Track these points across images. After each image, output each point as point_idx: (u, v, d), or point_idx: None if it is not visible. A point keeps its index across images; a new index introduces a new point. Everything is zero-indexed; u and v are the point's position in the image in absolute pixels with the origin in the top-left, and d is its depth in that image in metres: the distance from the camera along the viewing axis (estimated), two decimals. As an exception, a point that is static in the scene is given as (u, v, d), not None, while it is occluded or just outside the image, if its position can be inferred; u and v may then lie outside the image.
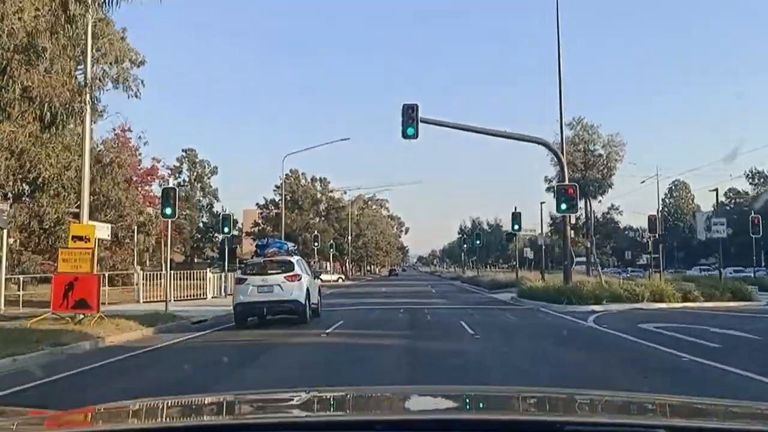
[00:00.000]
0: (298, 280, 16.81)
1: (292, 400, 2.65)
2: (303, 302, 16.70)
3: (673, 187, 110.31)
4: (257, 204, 78.77)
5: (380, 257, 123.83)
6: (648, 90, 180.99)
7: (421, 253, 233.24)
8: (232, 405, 2.52)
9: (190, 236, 76.54)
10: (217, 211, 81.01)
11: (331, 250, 63.27)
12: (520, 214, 33.56)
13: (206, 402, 2.73)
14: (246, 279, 16.90)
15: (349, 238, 75.42)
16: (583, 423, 1.96)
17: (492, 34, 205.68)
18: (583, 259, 47.79)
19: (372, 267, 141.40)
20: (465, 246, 64.91)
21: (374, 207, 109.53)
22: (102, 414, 2.38)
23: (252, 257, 20.38)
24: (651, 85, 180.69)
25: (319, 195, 79.21)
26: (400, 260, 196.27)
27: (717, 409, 2.36)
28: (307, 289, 17.19)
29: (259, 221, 78.46)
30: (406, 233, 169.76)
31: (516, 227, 33.67)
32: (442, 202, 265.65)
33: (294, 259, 17.75)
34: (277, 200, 78.85)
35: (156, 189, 45.57)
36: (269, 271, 16.94)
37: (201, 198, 78.50)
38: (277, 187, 78.05)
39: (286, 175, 78.55)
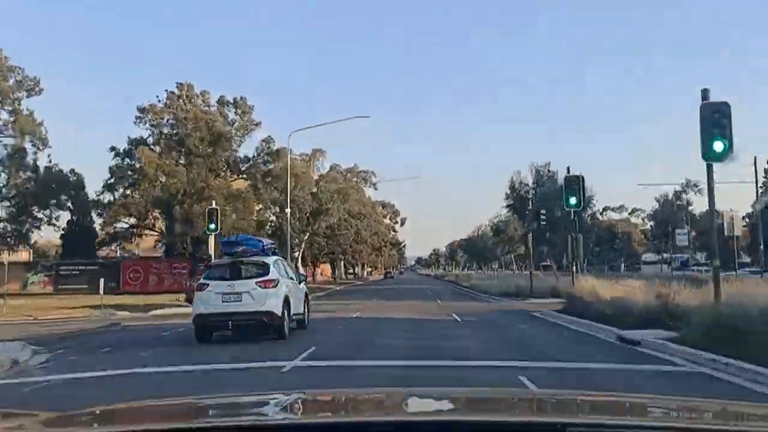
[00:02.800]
0: (274, 286, 13.79)
1: (287, 402, 2.50)
2: (280, 314, 13.61)
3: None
4: (112, 149, 41.18)
5: (364, 254, 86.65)
6: None
7: (419, 254, 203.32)
8: (226, 407, 2.54)
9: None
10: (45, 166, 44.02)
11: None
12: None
13: (200, 404, 2.62)
14: (208, 284, 13.83)
15: (288, 210, 38.11)
16: (585, 424, 1.88)
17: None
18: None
19: (354, 268, 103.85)
20: (540, 218, 26.71)
21: (354, 180, 72.79)
22: (102, 415, 2.34)
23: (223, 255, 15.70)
24: None
25: (232, 132, 41.84)
26: (397, 261, 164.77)
27: (718, 409, 2.33)
28: (286, 297, 14.08)
29: (112, 180, 40.86)
30: (402, 225, 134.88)
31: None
32: (443, 197, 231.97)
33: (270, 260, 14.54)
34: (146, 138, 41.40)
35: None
36: (238, 275, 13.98)
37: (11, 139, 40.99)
38: (142, 112, 40.55)
39: (169, 93, 41.30)
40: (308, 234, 52.99)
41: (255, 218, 43.06)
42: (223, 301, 13.39)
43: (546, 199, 33.76)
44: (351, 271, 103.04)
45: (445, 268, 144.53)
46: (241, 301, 13.38)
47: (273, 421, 2.09)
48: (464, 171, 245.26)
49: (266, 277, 13.74)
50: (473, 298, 34.22)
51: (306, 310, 16.39)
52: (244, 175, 43.10)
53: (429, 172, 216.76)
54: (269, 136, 42.95)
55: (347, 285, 66.75)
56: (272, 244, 17.11)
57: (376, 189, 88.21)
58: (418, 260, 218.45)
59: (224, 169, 41.77)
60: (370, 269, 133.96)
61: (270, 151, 42.70)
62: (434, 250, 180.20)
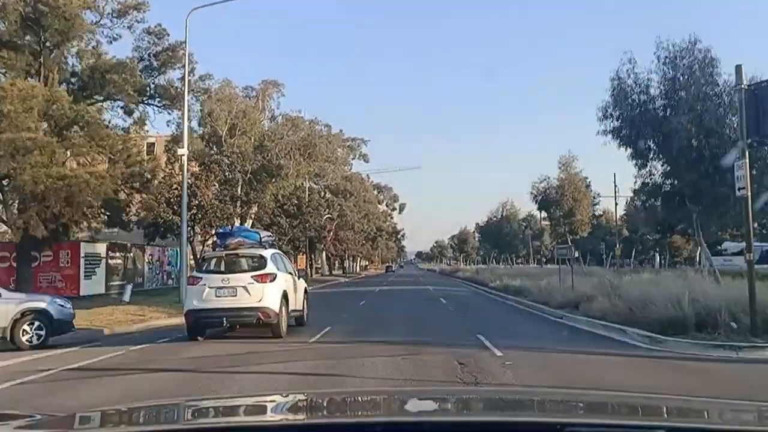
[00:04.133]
0: (271, 280, 13.04)
1: (292, 402, 2.53)
2: (277, 310, 12.84)
3: None
4: None
5: (352, 243, 67.98)
6: None
7: (418, 248, 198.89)
8: (229, 408, 2.50)
9: None
10: None
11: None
12: None
13: (201, 405, 2.60)
14: (201, 278, 13.31)
15: (184, 150, 19.47)
16: (583, 424, 1.87)
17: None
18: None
19: (344, 261, 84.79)
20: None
21: (339, 150, 54.12)
22: (102, 417, 2.30)
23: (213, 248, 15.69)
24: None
25: (81, 14, 22.94)
26: (396, 254, 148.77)
27: (717, 408, 2.32)
28: (284, 293, 13.36)
29: None
30: (400, 212, 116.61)
31: None
32: (444, 192, 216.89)
33: (267, 252, 13.74)
34: None
35: None
36: (233, 269, 13.51)
37: None
38: None
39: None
40: (255, 206, 34.22)
41: (137, 168, 24.08)
42: (217, 296, 12.76)
43: (692, 112, 15.08)
44: (339, 264, 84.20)
45: (450, 263, 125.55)
46: (236, 296, 12.75)
47: (274, 422, 2.07)
48: (463, 168, 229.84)
49: (263, 271, 13.05)
50: (573, 331, 14.58)
51: (305, 306, 15.56)
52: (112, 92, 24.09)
53: (427, 170, 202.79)
54: (160, 26, 23.98)
55: (325, 284, 47.97)
56: (270, 236, 16.04)
57: (366, 161, 69.55)
58: (418, 254, 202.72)
59: (74, 80, 22.89)
60: (366, 263, 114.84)
61: (160, 50, 23.77)
62: (436, 242, 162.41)
